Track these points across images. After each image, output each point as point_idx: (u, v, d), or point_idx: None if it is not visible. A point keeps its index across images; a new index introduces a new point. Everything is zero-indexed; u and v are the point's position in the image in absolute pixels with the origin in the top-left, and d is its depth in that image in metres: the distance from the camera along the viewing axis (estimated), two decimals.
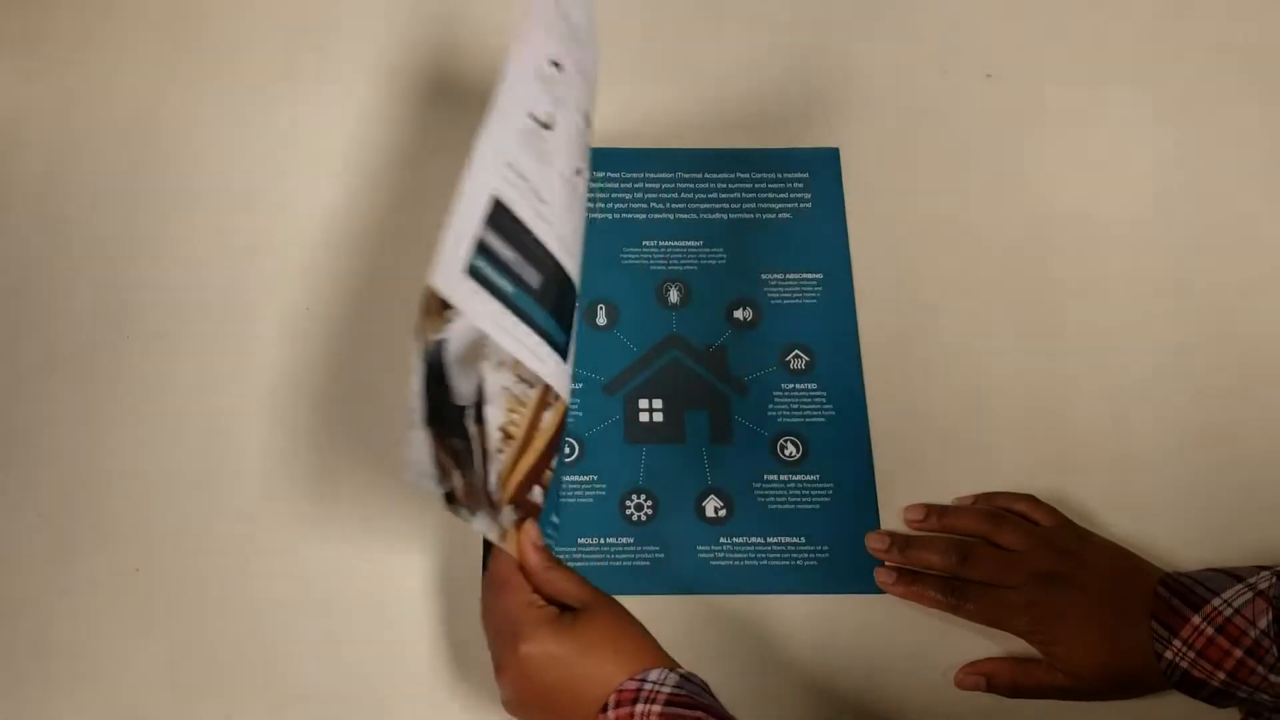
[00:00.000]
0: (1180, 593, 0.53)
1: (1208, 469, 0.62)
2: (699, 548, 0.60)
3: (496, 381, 0.51)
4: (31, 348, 0.64)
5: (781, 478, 0.62)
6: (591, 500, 0.61)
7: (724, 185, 0.69)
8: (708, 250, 0.67)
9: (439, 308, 0.48)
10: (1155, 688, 0.54)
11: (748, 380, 0.64)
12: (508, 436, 0.51)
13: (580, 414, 0.63)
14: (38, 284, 0.66)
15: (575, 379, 0.63)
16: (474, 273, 0.50)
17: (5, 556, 0.59)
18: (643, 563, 0.59)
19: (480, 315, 0.50)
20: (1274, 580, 0.51)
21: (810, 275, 0.67)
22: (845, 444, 0.63)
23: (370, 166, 0.69)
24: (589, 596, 0.50)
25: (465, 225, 0.49)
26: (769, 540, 0.60)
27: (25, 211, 0.68)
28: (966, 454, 0.63)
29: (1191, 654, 0.52)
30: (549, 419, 0.54)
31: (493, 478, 0.50)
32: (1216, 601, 0.52)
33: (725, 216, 0.68)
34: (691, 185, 0.69)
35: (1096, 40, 0.75)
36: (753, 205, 0.69)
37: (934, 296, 0.67)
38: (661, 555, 0.60)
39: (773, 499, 0.61)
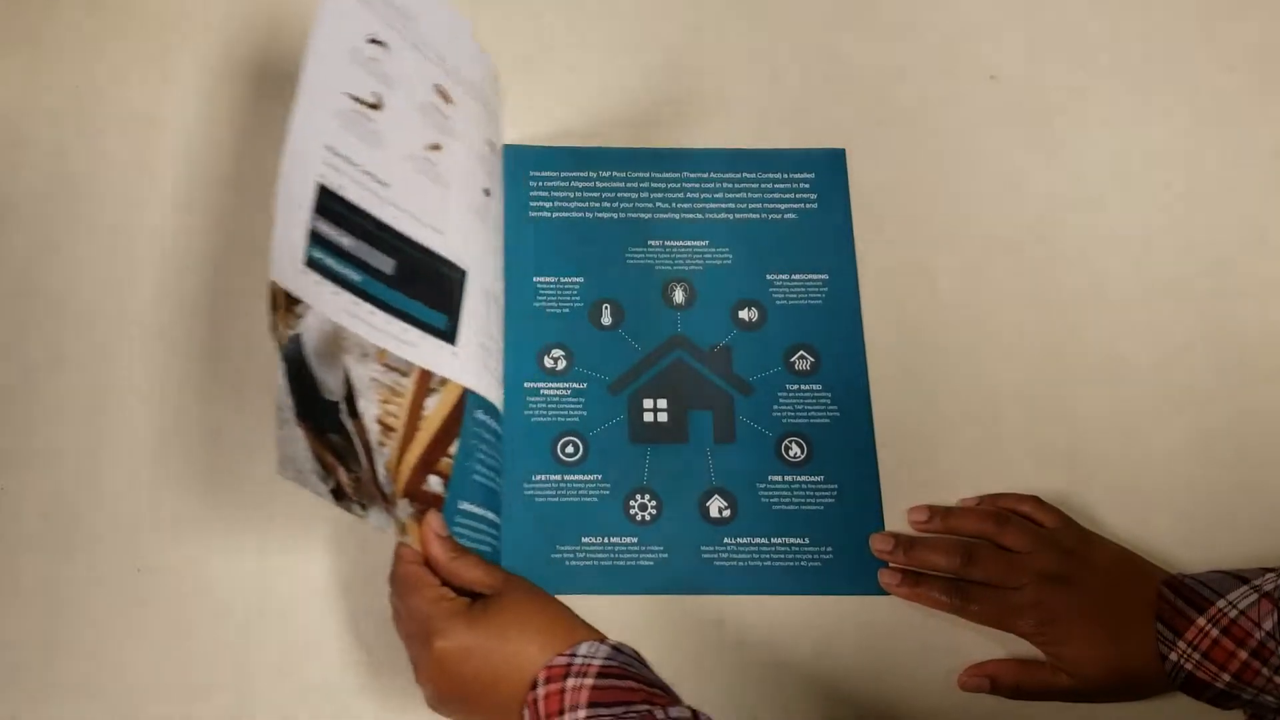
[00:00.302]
0: (1185, 594, 0.53)
1: (1213, 471, 0.63)
2: (703, 548, 0.60)
3: (364, 373, 0.50)
4: (35, 346, 0.64)
5: (785, 478, 0.62)
6: (596, 500, 0.61)
7: (729, 185, 0.69)
8: (713, 250, 0.68)
9: (287, 303, 0.47)
10: (1159, 690, 0.54)
11: (752, 381, 0.64)
12: (387, 429, 0.50)
13: (585, 413, 0.63)
14: (42, 283, 0.66)
15: (580, 378, 0.64)
16: (314, 264, 0.48)
17: (9, 557, 0.59)
18: (647, 562, 0.60)
19: (330, 307, 0.49)
20: (1279, 582, 0.52)
21: (815, 276, 0.67)
22: (850, 445, 0.63)
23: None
24: (499, 581, 0.50)
25: (294, 217, 0.48)
26: (773, 541, 0.61)
27: (29, 210, 0.67)
28: (971, 455, 0.63)
29: (1196, 656, 0.52)
30: (435, 405, 0.52)
31: (380, 471, 0.49)
32: (1221, 603, 0.52)
33: (731, 217, 0.69)
34: (697, 185, 0.69)
35: (1101, 42, 0.75)
36: (758, 205, 0.69)
37: (939, 298, 0.67)
38: (665, 555, 0.60)
39: (776, 500, 0.62)
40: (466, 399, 0.54)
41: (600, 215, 0.68)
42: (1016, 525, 0.58)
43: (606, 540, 0.60)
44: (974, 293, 0.67)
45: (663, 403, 0.63)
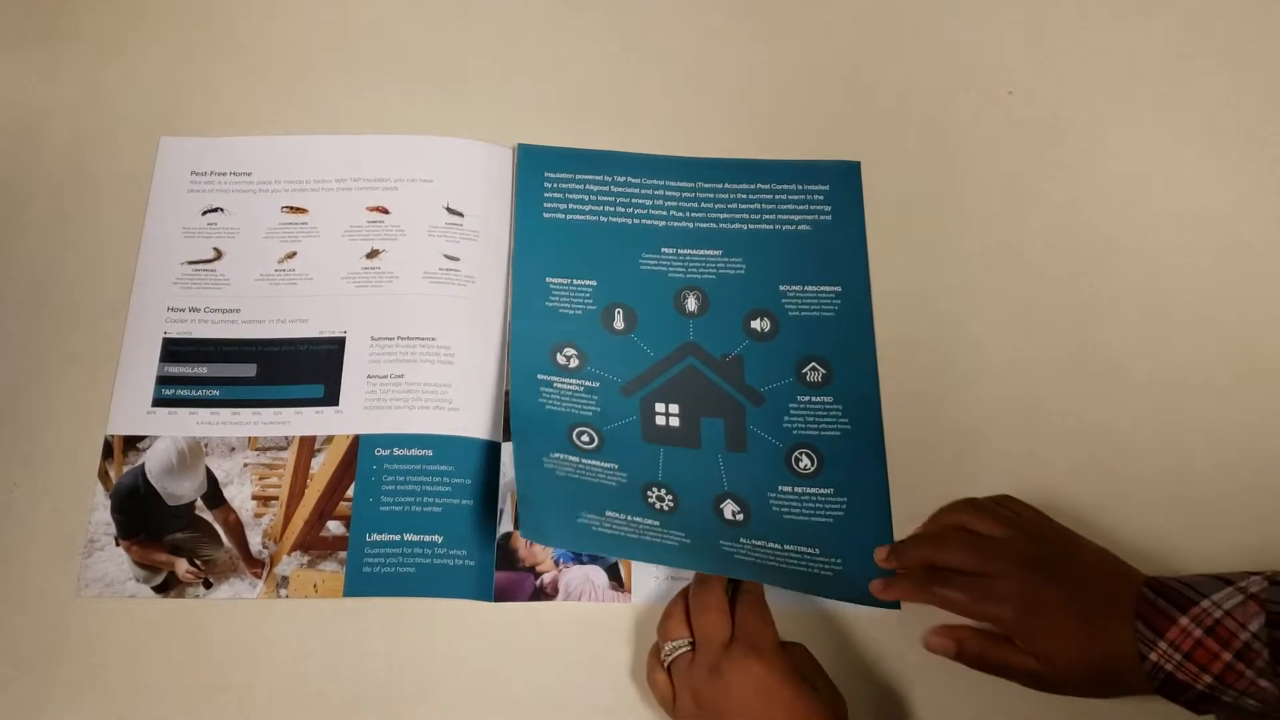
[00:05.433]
0: (1167, 594, 0.55)
1: (1201, 481, 0.66)
2: (722, 542, 0.62)
3: (234, 464, 0.64)
4: (50, 343, 0.68)
5: (795, 490, 0.65)
6: (614, 485, 0.64)
7: (744, 195, 0.73)
8: (726, 260, 0.71)
9: (124, 448, 0.63)
10: (1134, 690, 0.56)
11: (763, 391, 0.68)
12: (267, 501, 0.62)
13: (598, 409, 0.66)
14: (57, 279, 0.69)
15: (593, 378, 0.67)
16: (164, 402, 0.64)
17: (20, 554, 0.63)
18: (671, 543, 0.61)
19: (187, 426, 0.64)
20: (1266, 584, 0.53)
21: (829, 288, 0.71)
22: (860, 458, 0.66)
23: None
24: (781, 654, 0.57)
25: (137, 375, 0.64)
26: (785, 547, 0.63)
27: (46, 205, 0.72)
28: (981, 470, 0.66)
29: (1178, 656, 0.54)
30: (324, 460, 0.64)
31: (255, 543, 0.62)
32: (1206, 603, 0.54)
33: (745, 227, 0.72)
34: (712, 194, 0.73)
35: (1117, 58, 0.79)
36: (772, 216, 0.73)
37: (952, 312, 0.71)
38: (688, 540, 0.62)
39: (787, 510, 0.65)
40: (359, 442, 0.64)
41: (615, 220, 0.72)
42: (989, 511, 0.61)
43: (629, 518, 0.62)
44: (986, 307, 0.71)
45: (674, 408, 0.67)
